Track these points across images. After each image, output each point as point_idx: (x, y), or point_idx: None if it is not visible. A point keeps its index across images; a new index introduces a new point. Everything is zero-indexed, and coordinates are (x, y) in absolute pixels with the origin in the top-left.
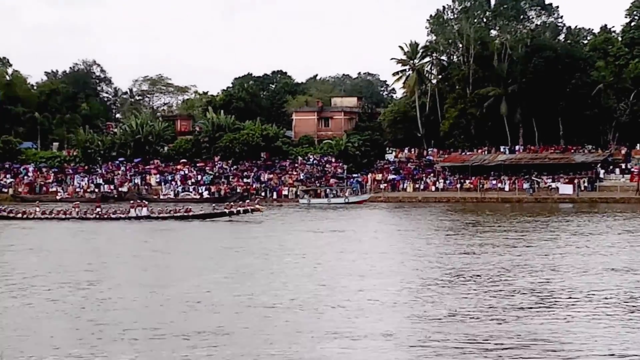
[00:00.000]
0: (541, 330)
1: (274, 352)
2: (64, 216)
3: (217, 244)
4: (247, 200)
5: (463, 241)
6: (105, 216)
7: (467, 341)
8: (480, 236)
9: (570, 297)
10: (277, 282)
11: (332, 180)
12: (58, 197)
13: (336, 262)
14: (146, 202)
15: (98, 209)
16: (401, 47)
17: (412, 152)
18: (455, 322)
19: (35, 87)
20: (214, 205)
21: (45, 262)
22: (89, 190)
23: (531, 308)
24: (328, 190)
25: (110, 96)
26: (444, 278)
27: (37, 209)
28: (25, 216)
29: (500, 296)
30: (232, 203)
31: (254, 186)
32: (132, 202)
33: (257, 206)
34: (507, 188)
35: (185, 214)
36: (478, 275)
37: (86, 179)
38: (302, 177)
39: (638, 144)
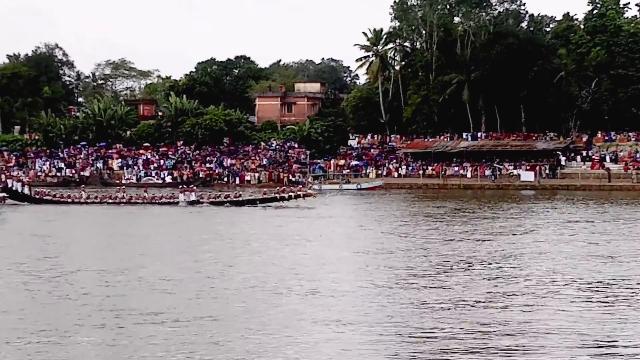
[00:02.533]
0: (518, 318)
1: (262, 338)
2: (110, 200)
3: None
4: (300, 185)
5: (449, 228)
6: (153, 201)
7: (443, 328)
8: (472, 224)
9: (541, 284)
10: (269, 269)
11: (295, 166)
12: None
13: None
14: (194, 187)
15: (145, 194)
16: (365, 33)
17: (375, 138)
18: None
19: None
20: (264, 190)
21: (61, 247)
22: (50, 174)
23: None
24: (340, 176)
25: (72, 80)
26: (434, 266)
27: (83, 193)
28: (70, 200)
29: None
30: (284, 187)
31: (216, 171)
32: (180, 187)
33: (309, 191)
34: (469, 175)
35: (235, 199)
36: (477, 263)
37: (48, 162)
38: (264, 163)
39: (599, 132)
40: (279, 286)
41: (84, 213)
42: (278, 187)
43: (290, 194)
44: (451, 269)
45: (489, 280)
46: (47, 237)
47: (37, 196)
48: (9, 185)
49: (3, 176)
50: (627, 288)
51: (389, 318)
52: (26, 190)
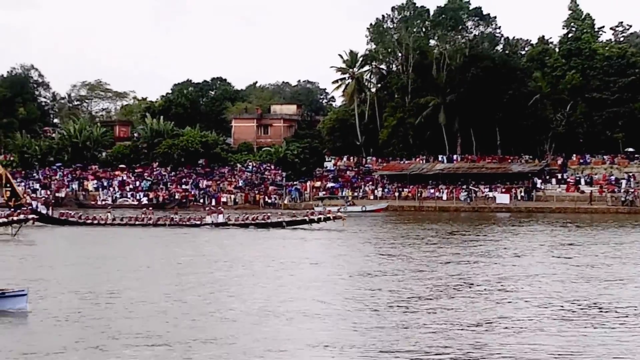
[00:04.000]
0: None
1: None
2: (136, 222)
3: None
4: (328, 209)
5: (445, 250)
6: (180, 222)
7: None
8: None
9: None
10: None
11: (271, 188)
12: None
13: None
14: (222, 210)
15: (175, 216)
16: (340, 56)
17: (351, 160)
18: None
19: None
20: (294, 212)
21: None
22: (25, 195)
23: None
24: (345, 198)
25: (48, 101)
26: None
27: (109, 215)
28: (96, 222)
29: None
30: (312, 211)
31: (192, 193)
32: (208, 208)
33: (339, 214)
34: (444, 197)
35: (263, 221)
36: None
37: (23, 184)
38: (241, 184)
39: (574, 155)
40: (267, 309)
41: (109, 235)
42: (308, 210)
43: (320, 216)
44: (444, 291)
45: (480, 302)
46: (69, 258)
47: (63, 218)
48: (33, 207)
49: (28, 198)
50: (620, 311)
51: (379, 340)
52: (50, 212)
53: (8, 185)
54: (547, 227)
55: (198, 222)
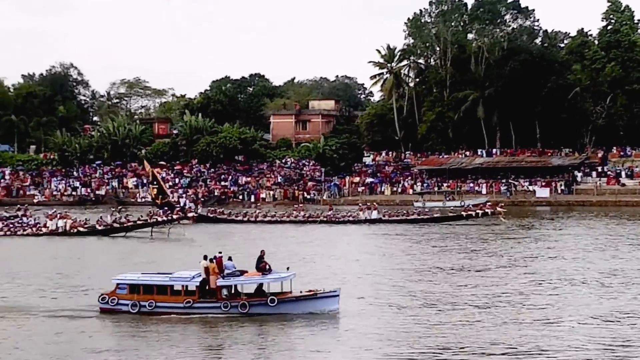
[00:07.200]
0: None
1: None
2: (287, 219)
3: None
4: (473, 203)
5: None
6: (334, 219)
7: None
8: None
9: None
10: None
11: (309, 184)
12: (35, 201)
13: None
14: (376, 205)
15: (330, 212)
16: (378, 51)
17: (390, 155)
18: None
19: (11, 90)
20: (450, 206)
21: None
22: (66, 193)
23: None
24: (445, 193)
25: (87, 99)
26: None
27: (258, 211)
28: (246, 219)
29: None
30: (470, 205)
31: (231, 189)
32: (360, 205)
33: (499, 209)
34: (484, 191)
35: (418, 217)
36: None
37: (63, 182)
38: (279, 180)
39: (614, 147)
40: None
41: (259, 232)
42: (465, 206)
43: (478, 211)
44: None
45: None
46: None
47: (212, 215)
48: (181, 205)
49: (176, 195)
50: None
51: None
52: (199, 210)
53: (155, 182)
54: (600, 221)
55: (351, 219)
